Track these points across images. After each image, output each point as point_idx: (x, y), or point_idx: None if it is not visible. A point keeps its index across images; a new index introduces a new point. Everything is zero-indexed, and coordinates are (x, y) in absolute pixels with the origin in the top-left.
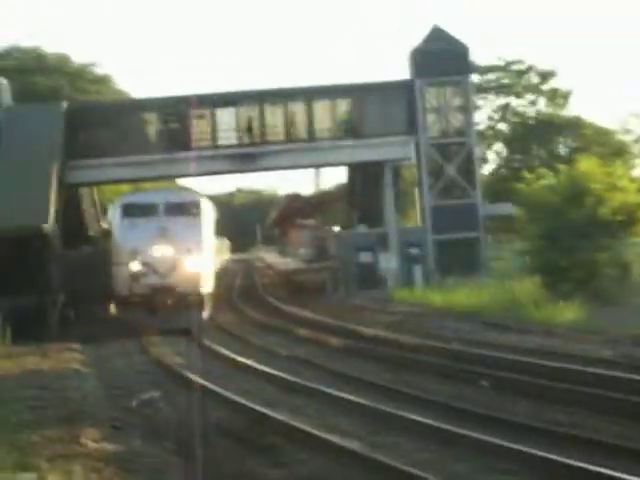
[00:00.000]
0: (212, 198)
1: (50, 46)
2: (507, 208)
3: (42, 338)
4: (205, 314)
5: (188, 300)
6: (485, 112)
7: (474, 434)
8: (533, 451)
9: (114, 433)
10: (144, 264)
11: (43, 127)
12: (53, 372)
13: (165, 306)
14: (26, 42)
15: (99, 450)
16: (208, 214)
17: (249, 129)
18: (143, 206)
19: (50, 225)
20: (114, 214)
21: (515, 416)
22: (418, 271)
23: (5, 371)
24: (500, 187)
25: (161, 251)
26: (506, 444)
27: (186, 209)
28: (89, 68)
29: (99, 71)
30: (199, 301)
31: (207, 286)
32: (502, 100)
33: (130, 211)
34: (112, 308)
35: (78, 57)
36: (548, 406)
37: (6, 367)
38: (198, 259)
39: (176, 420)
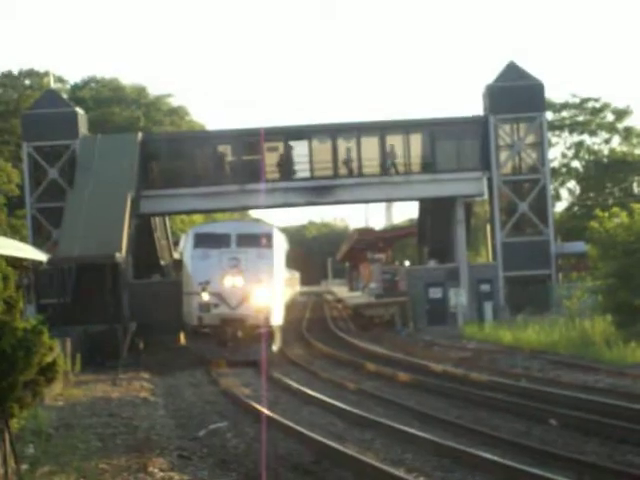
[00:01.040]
0: (283, 230)
1: (127, 77)
2: (579, 246)
3: (112, 366)
4: (275, 347)
5: (258, 332)
6: (559, 149)
7: (541, 472)
8: None
9: (182, 462)
10: (214, 294)
11: (118, 157)
12: (122, 400)
13: (235, 338)
14: (104, 73)
15: (166, 479)
16: (280, 245)
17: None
18: (215, 236)
19: (122, 254)
20: (186, 243)
21: (584, 455)
22: (488, 307)
23: (75, 398)
24: (573, 225)
25: (232, 282)
26: None
27: (258, 240)
28: (165, 99)
29: (174, 102)
30: (269, 333)
31: (277, 318)
32: (576, 138)
33: (202, 241)
34: (182, 338)
35: (154, 88)
36: (618, 446)
37: (76, 394)
38: (269, 291)
39: (243, 451)
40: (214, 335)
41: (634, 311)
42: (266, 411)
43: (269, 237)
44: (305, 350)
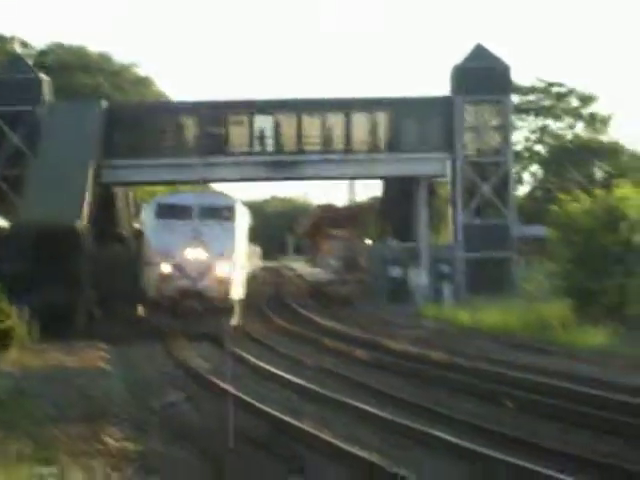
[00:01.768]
0: (245, 204)
1: (93, 44)
2: (540, 230)
3: (69, 335)
4: (234, 321)
5: (217, 306)
6: (523, 133)
7: (496, 454)
8: (551, 473)
9: (136, 433)
10: (175, 266)
11: (82, 124)
12: (78, 369)
13: (193, 310)
14: (69, 39)
15: (120, 449)
16: (243, 219)
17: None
18: (177, 207)
19: (83, 223)
20: (147, 214)
21: (537, 437)
22: (447, 288)
23: (30, 366)
24: (534, 209)
25: (193, 254)
26: (526, 464)
27: (220, 213)
28: (130, 68)
29: (140, 72)
30: (228, 307)
31: (237, 293)
32: (540, 122)
33: (164, 212)
34: (140, 309)
35: (120, 57)
36: (570, 428)
37: (32, 362)
38: (230, 264)
39: (198, 423)
40: (173, 307)
41: (591, 295)
42: (221, 384)
43: (232, 210)
44: (264, 325)
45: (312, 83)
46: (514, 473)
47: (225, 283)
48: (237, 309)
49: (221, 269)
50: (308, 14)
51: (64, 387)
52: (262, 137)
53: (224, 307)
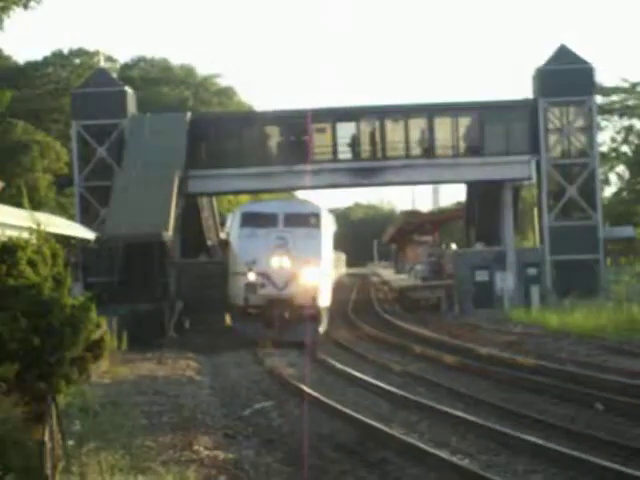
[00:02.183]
0: (330, 211)
1: (176, 57)
2: (628, 231)
3: (158, 345)
4: (321, 328)
5: (305, 313)
6: (608, 133)
7: (588, 457)
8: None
9: (227, 441)
10: (261, 275)
11: (167, 136)
12: (168, 379)
13: (281, 319)
14: (153, 53)
15: (212, 457)
16: (328, 226)
17: (370, 142)
18: (262, 215)
19: (170, 233)
20: (233, 223)
21: (629, 440)
22: (535, 291)
23: (121, 376)
24: (621, 209)
25: (279, 262)
26: (618, 467)
27: (306, 220)
28: (213, 79)
29: (223, 82)
30: (316, 314)
31: (324, 299)
32: (626, 122)
33: (249, 220)
34: (227, 318)
35: (203, 69)
36: None
37: (122, 372)
38: (316, 271)
39: (288, 430)
40: (260, 316)
41: None
42: (311, 391)
43: (317, 217)
44: (351, 332)
45: (395, 89)
46: (604, 475)
47: (312, 290)
48: (324, 316)
49: (307, 276)
50: (389, 17)
51: (155, 397)
52: (348, 144)
53: (311, 314)
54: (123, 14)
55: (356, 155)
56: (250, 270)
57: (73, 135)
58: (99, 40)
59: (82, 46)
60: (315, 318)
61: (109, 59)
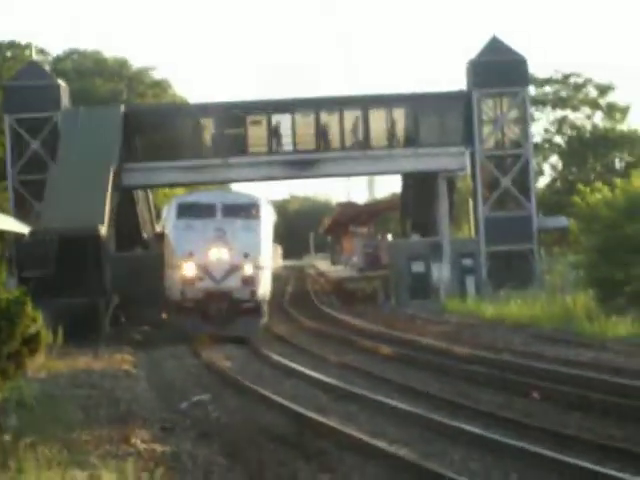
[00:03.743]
0: None
1: (109, 49)
2: (562, 221)
3: (94, 339)
4: (261, 322)
5: (243, 307)
6: (541, 125)
7: (523, 445)
8: (582, 463)
9: (164, 434)
10: (199, 267)
11: (101, 129)
12: (104, 373)
13: (219, 312)
14: (86, 45)
15: (149, 450)
16: (267, 217)
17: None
18: (200, 206)
19: (105, 227)
20: (168, 214)
21: (565, 428)
22: (471, 282)
23: (57, 371)
24: (555, 200)
25: (217, 254)
26: (555, 456)
27: (245, 211)
28: (147, 72)
29: (157, 75)
30: (255, 308)
31: (264, 292)
32: (559, 113)
33: (185, 211)
34: (164, 312)
35: (137, 61)
36: (600, 419)
37: (58, 367)
38: (256, 264)
39: (225, 423)
40: (198, 310)
41: (615, 285)
42: (248, 383)
43: (256, 207)
44: (288, 323)
45: (329, 81)
46: (540, 463)
47: (252, 283)
48: (264, 310)
49: (247, 269)
50: (323, 10)
51: (92, 391)
52: (280, 136)
53: (250, 308)
54: (55, 6)
55: (291, 147)
56: (187, 263)
57: (5, 129)
58: (31, 33)
59: (14, 39)
60: (254, 312)
61: (41, 52)
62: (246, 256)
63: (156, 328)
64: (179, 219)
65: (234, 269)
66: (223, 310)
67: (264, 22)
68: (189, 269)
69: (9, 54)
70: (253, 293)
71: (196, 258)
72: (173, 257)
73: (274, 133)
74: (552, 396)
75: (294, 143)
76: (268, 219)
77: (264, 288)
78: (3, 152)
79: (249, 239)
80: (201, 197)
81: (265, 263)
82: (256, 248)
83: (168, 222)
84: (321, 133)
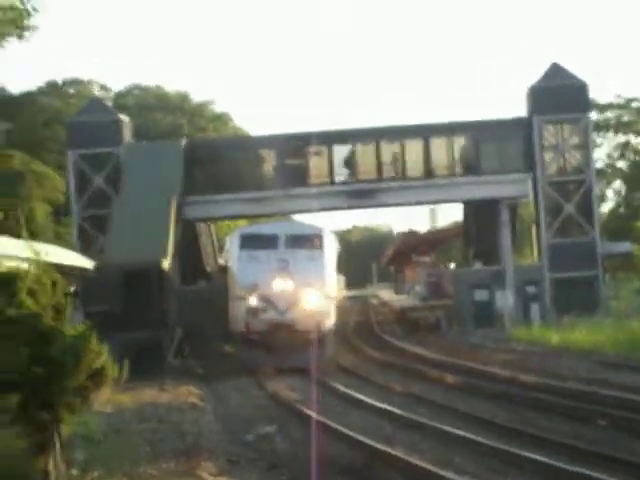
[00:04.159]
0: None
1: (170, 84)
2: (626, 246)
3: (158, 372)
4: (326, 353)
5: (309, 338)
6: (604, 150)
7: (591, 472)
8: None
9: (230, 467)
10: (263, 299)
11: (163, 163)
12: (170, 406)
13: (284, 344)
14: (147, 80)
15: None
16: (331, 247)
17: (365, 164)
18: (263, 237)
19: (168, 260)
20: (232, 245)
21: (633, 456)
22: (535, 309)
23: (123, 404)
24: (619, 225)
25: (281, 285)
26: None
27: (308, 241)
28: (208, 106)
29: (217, 109)
30: (320, 339)
31: (329, 323)
32: (621, 138)
33: (249, 242)
34: (229, 345)
35: (197, 95)
36: None
37: (124, 400)
38: (320, 295)
39: (292, 455)
40: (263, 342)
41: None
42: (315, 415)
43: (320, 238)
44: (352, 353)
45: (390, 110)
46: None
47: (315, 314)
48: (329, 340)
49: (311, 300)
50: (379, 39)
51: (158, 424)
52: (342, 166)
53: (315, 339)
54: (116, 43)
55: (352, 177)
56: (251, 294)
57: (69, 164)
58: (93, 69)
59: (76, 76)
60: (319, 343)
61: (103, 88)
62: (310, 286)
63: (221, 361)
64: (242, 250)
65: (298, 300)
66: (288, 342)
67: (321, 53)
68: (253, 300)
69: (71, 91)
70: (318, 324)
71: (260, 289)
72: (237, 288)
73: (335, 164)
74: (618, 423)
75: (355, 173)
76: (331, 249)
77: (329, 319)
78: (67, 187)
79: (313, 269)
80: (264, 228)
81: (329, 293)
82: (320, 278)
83: (231, 254)
84: (381, 163)
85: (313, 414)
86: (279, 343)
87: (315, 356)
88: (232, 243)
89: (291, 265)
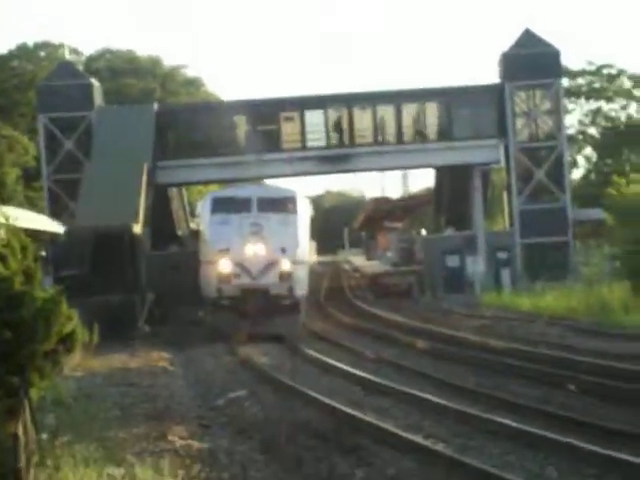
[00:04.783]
0: None
1: (142, 48)
2: (597, 213)
3: (130, 337)
4: (300, 319)
5: (281, 303)
6: (575, 116)
7: (560, 437)
8: (622, 456)
9: (201, 431)
10: (235, 264)
11: (134, 128)
12: (141, 370)
13: (256, 309)
14: (119, 44)
15: (186, 447)
16: (304, 211)
17: (338, 130)
18: (235, 200)
19: (139, 225)
20: (203, 209)
21: (602, 420)
22: (506, 275)
23: (93, 369)
24: (589, 192)
25: (254, 250)
26: (593, 448)
27: (281, 204)
28: (180, 70)
29: (190, 73)
30: (293, 305)
31: (302, 289)
32: (593, 104)
33: (221, 206)
34: (200, 310)
35: (169, 59)
36: (637, 411)
37: (94, 365)
38: (294, 259)
39: (262, 419)
40: (234, 307)
41: None
42: (284, 380)
43: (293, 201)
44: (323, 320)
45: (362, 76)
46: (578, 455)
47: (289, 279)
48: (303, 307)
49: (285, 265)
50: (356, 11)
51: (128, 388)
52: (313, 132)
53: (288, 305)
54: (88, 6)
55: (325, 143)
56: (223, 259)
57: (40, 128)
58: (64, 33)
59: (47, 39)
60: (292, 309)
61: (74, 51)
62: (283, 251)
63: (192, 326)
64: (214, 214)
65: (271, 265)
66: (260, 307)
67: (294, 16)
68: (225, 265)
69: (42, 54)
70: (291, 289)
71: (232, 254)
72: (208, 253)
73: (307, 129)
74: (589, 388)
75: (327, 139)
76: (305, 213)
77: (302, 284)
78: (38, 151)
79: (286, 234)
80: (236, 191)
81: (303, 258)
82: (294, 243)
83: (203, 217)
84: (354, 128)
85: (283, 379)
86: (251, 309)
87: (287, 322)
88: (203, 207)
89: (264, 229)
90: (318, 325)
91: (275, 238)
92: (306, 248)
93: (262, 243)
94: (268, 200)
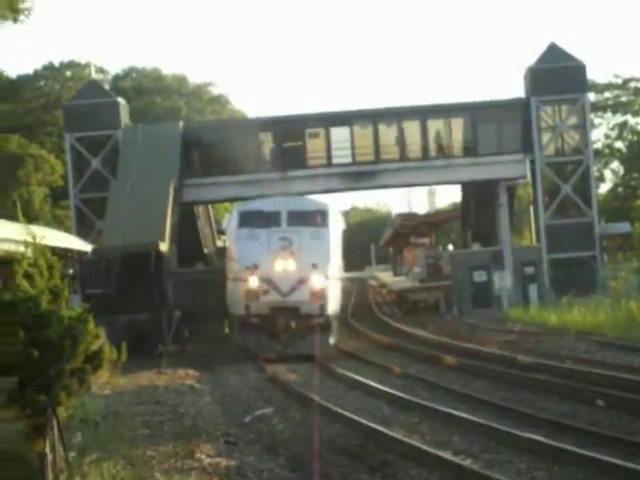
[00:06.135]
0: None
1: (168, 66)
2: (624, 227)
3: (157, 355)
4: (332, 339)
5: (312, 323)
6: (602, 130)
7: (588, 453)
8: None
9: (228, 448)
10: (263, 280)
11: (160, 146)
12: (168, 388)
13: (287, 328)
14: (145, 63)
15: (213, 465)
16: (336, 225)
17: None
18: (263, 214)
19: (166, 243)
20: (230, 224)
21: (631, 435)
22: (533, 290)
23: (121, 386)
24: (617, 206)
25: (283, 266)
26: (622, 463)
27: (312, 218)
28: (205, 88)
29: (215, 91)
30: (324, 324)
31: (334, 307)
32: (619, 118)
33: (248, 220)
34: (228, 328)
35: (195, 77)
36: None
37: (122, 383)
38: (325, 275)
39: (289, 436)
40: (264, 325)
41: None
42: (313, 396)
43: (324, 215)
44: (351, 335)
45: (388, 92)
46: (606, 471)
47: (320, 297)
48: (334, 325)
49: (316, 282)
50: (378, 20)
51: (156, 406)
52: (339, 148)
53: (320, 324)
54: (114, 25)
55: (350, 159)
56: (251, 275)
57: (67, 147)
58: (90, 52)
59: (73, 58)
60: (323, 328)
61: (100, 70)
62: (314, 267)
63: (219, 343)
64: (241, 228)
65: (301, 282)
66: (290, 326)
67: (319, 35)
68: (253, 282)
69: (69, 73)
70: (322, 308)
71: (260, 270)
72: (236, 269)
73: (333, 146)
74: (617, 403)
75: (353, 155)
76: (337, 227)
77: (334, 302)
78: (65, 171)
79: (317, 249)
80: (264, 204)
81: (334, 275)
82: (325, 258)
83: (229, 233)
84: (379, 144)
85: (310, 395)
86: (281, 328)
87: (319, 343)
88: (230, 221)
89: (294, 244)
90: (345, 341)
91: (306, 253)
92: (338, 264)
93: (292, 259)
94: (298, 213)
